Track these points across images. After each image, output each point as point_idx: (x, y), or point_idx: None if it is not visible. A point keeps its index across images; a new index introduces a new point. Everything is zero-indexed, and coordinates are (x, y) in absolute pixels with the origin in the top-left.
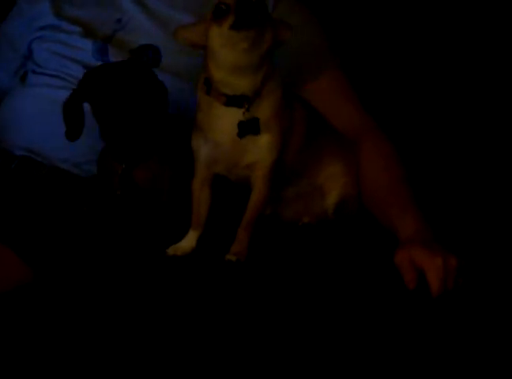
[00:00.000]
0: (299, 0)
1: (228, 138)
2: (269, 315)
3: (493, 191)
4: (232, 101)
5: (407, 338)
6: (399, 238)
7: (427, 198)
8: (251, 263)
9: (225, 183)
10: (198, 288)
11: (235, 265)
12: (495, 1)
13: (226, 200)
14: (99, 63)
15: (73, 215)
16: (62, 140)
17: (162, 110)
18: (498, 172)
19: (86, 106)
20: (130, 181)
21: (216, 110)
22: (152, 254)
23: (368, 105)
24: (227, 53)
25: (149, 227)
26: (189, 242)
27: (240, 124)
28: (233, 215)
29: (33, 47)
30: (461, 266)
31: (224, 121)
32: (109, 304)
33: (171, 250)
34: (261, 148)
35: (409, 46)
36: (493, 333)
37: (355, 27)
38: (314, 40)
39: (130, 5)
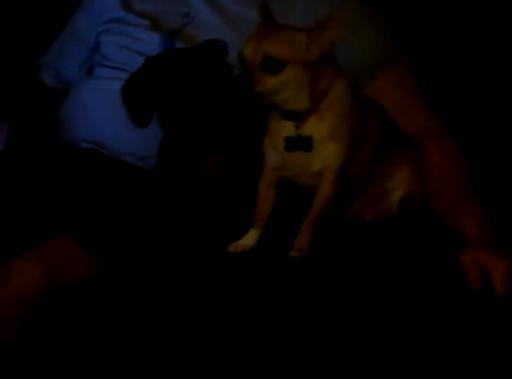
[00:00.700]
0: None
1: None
2: (329, 311)
3: None
4: (287, 115)
5: (474, 339)
6: (465, 239)
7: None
8: (314, 259)
9: (290, 183)
10: (261, 283)
11: (297, 261)
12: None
13: (290, 198)
14: None
15: (136, 209)
16: (128, 134)
17: (228, 96)
18: None
19: None
20: (196, 173)
21: (278, 121)
22: (214, 249)
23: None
24: None
25: (212, 221)
26: (250, 239)
27: (287, 139)
28: (296, 213)
29: (100, 40)
30: None
31: (281, 133)
32: (171, 297)
33: (231, 247)
34: (327, 157)
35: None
36: None
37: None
38: (379, 38)
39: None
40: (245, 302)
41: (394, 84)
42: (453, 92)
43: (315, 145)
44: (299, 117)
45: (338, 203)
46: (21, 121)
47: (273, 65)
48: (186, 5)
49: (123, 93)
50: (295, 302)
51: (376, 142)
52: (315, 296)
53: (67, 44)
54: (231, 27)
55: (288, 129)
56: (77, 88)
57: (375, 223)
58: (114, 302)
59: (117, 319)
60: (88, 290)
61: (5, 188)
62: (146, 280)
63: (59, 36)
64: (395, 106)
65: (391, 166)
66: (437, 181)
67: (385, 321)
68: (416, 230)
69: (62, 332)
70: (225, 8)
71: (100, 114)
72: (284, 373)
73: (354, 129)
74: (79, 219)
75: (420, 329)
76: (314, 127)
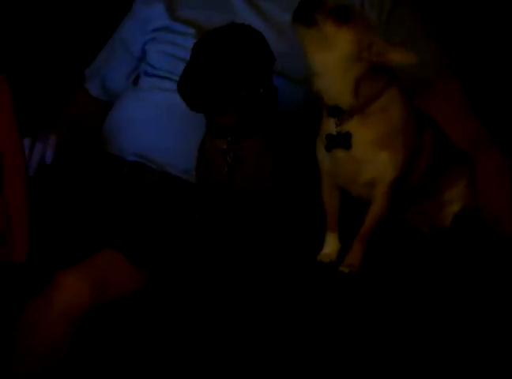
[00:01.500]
0: (416, 6)
1: (340, 151)
2: (376, 326)
3: None
4: (331, 112)
5: None
6: None
7: None
8: (364, 274)
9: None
10: (308, 297)
11: (347, 277)
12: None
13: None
14: None
15: (184, 222)
16: (173, 146)
17: (268, 78)
18: None
19: None
20: (236, 158)
21: (325, 120)
22: (261, 260)
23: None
24: (303, 48)
25: (262, 224)
26: (332, 245)
27: (328, 137)
28: (351, 225)
29: (146, 49)
30: None
31: (325, 132)
32: (219, 310)
33: (322, 257)
34: (379, 166)
35: None
36: None
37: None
38: (433, 47)
39: (243, 6)
40: (289, 316)
41: (448, 95)
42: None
43: (361, 151)
44: (341, 114)
45: (393, 213)
46: (68, 134)
47: (343, 15)
48: (232, 13)
49: (180, 87)
50: (340, 317)
51: (431, 154)
52: (360, 313)
53: (113, 54)
54: (277, 34)
55: (330, 127)
56: (122, 99)
57: (428, 236)
58: (161, 316)
59: (164, 333)
60: (135, 304)
61: (52, 201)
62: (194, 294)
63: (105, 46)
64: (447, 118)
65: (447, 179)
66: (488, 190)
67: (436, 335)
68: (468, 242)
69: (109, 348)
70: (270, 14)
71: (145, 127)
72: None
73: (409, 139)
74: (126, 232)
75: (474, 338)
76: (357, 128)
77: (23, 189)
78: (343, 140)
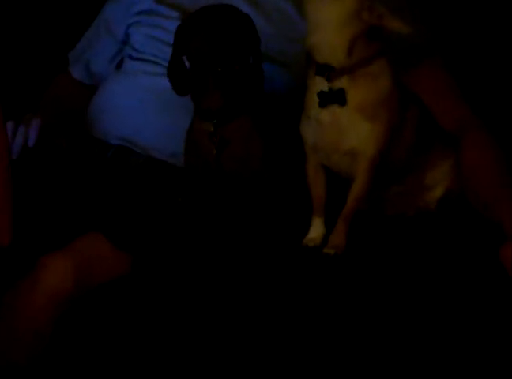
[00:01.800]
0: None
1: (326, 114)
2: (363, 310)
3: None
4: (320, 70)
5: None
6: (505, 231)
7: None
8: (349, 256)
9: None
10: (292, 281)
11: (332, 259)
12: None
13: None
14: None
15: (168, 206)
16: (158, 130)
17: (255, 58)
18: None
19: None
20: (223, 140)
21: (311, 82)
22: (241, 245)
23: None
24: (309, 2)
25: (246, 208)
26: (318, 230)
27: (320, 93)
28: (332, 207)
29: (130, 32)
30: None
31: (315, 91)
32: (204, 295)
33: (307, 241)
34: (361, 134)
35: None
36: None
37: None
38: (424, 24)
39: None
40: (276, 301)
41: (435, 73)
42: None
43: (347, 113)
44: (331, 71)
45: (375, 190)
46: (51, 117)
47: None
48: None
49: (169, 68)
50: (326, 300)
51: (415, 132)
52: (347, 295)
53: (97, 37)
54: (264, 18)
55: (320, 85)
56: (107, 83)
57: (412, 218)
58: (146, 300)
59: (149, 317)
60: (121, 288)
61: (35, 185)
62: (179, 278)
63: (89, 29)
64: (433, 96)
65: (430, 159)
66: (474, 173)
67: (423, 319)
68: (453, 225)
69: (93, 332)
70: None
71: (130, 111)
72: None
73: (392, 114)
74: (110, 215)
75: (462, 323)
76: (346, 86)
77: (6, 172)
78: (337, 97)
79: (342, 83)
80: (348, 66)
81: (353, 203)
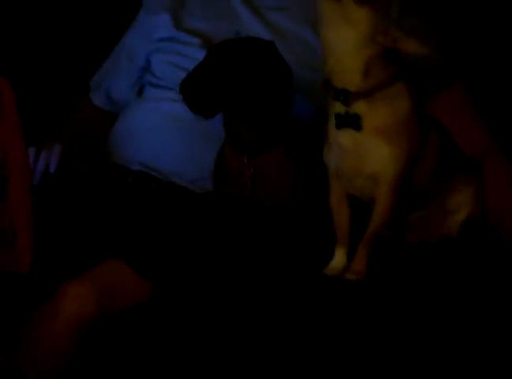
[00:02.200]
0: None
1: (346, 137)
2: (383, 336)
3: None
4: (338, 94)
5: None
6: None
7: None
8: (370, 282)
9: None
10: (315, 307)
11: (354, 285)
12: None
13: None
14: None
15: (188, 232)
16: (178, 156)
17: (286, 91)
18: None
19: None
20: (257, 173)
21: (331, 107)
22: (264, 271)
23: None
24: (322, 24)
25: (269, 237)
26: (339, 260)
27: (336, 116)
28: (355, 234)
29: (151, 59)
30: None
31: (332, 114)
32: (225, 321)
33: (328, 270)
34: (381, 158)
35: None
36: None
37: None
38: (444, 53)
39: (249, 16)
40: (300, 327)
41: (455, 97)
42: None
43: (366, 136)
44: (347, 96)
45: (396, 216)
46: (73, 143)
47: None
48: (238, 23)
49: (184, 84)
50: (346, 326)
51: (436, 157)
52: (367, 322)
53: (117, 64)
54: (284, 44)
55: (338, 108)
56: (128, 109)
57: (435, 246)
58: (167, 326)
59: (168, 344)
60: (142, 314)
61: (56, 210)
62: (200, 304)
63: (109, 56)
64: (455, 124)
65: (452, 185)
66: (497, 199)
67: (444, 346)
68: (477, 252)
69: (113, 357)
70: (276, 24)
71: (151, 137)
72: None
73: (412, 138)
74: (131, 242)
75: (482, 350)
76: (364, 111)
77: (28, 198)
78: (352, 121)
79: (360, 107)
80: (365, 90)
81: (374, 227)
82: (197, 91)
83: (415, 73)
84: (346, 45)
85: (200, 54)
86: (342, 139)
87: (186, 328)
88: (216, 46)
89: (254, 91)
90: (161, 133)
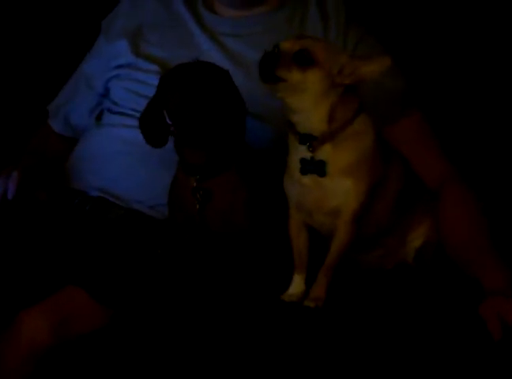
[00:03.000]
0: (378, 42)
1: (309, 179)
2: (342, 361)
3: None
4: (303, 139)
5: None
6: (484, 287)
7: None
8: (329, 309)
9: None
10: (273, 333)
11: (313, 311)
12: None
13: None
14: None
15: (147, 258)
16: (138, 182)
17: (238, 114)
18: None
19: None
20: (206, 196)
21: (295, 149)
22: (222, 296)
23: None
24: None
25: (229, 260)
26: (297, 287)
27: (302, 160)
28: (313, 261)
29: (110, 86)
30: None
31: (297, 158)
32: (183, 348)
33: (286, 297)
34: (343, 194)
35: None
36: None
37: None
38: (395, 83)
39: (209, 44)
40: (257, 352)
41: (414, 129)
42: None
43: (330, 178)
44: (313, 141)
45: (355, 250)
46: (31, 169)
47: (305, 59)
48: (197, 50)
49: (141, 120)
50: (307, 352)
51: (397, 189)
52: (327, 348)
53: (76, 90)
54: (242, 71)
55: (303, 153)
56: (86, 135)
57: (391, 272)
58: (124, 353)
59: (127, 369)
60: (99, 341)
61: (13, 238)
62: (158, 330)
63: (68, 82)
64: (413, 152)
65: (413, 217)
66: (452, 228)
67: (401, 373)
68: (432, 279)
69: None
70: (235, 52)
71: (109, 163)
72: None
73: (374, 170)
74: (89, 269)
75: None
76: (329, 155)
77: None
78: (317, 168)
79: (325, 151)
80: (329, 133)
81: (334, 257)
82: (151, 125)
83: (376, 103)
84: (308, 106)
85: (157, 81)
86: (304, 180)
87: (143, 353)
88: (168, 73)
89: (205, 116)
90: (120, 159)
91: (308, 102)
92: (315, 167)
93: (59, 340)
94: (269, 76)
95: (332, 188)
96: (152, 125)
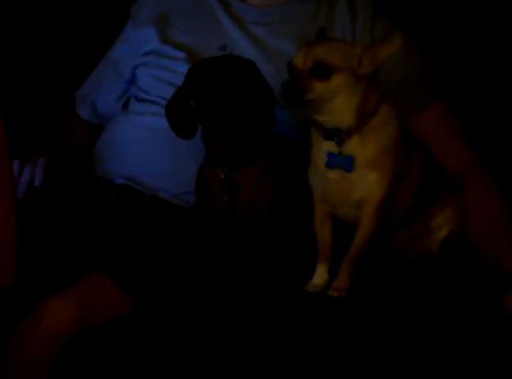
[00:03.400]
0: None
1: (334, 172)
2: (365, 352)
3: None
4: (329, 134)
5: None
6: (509, 278)
7: None
8: (353, 299)
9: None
10: (298, 323)
11: (336, 301)
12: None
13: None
14: None
15: (171, 246)
16: (163, 170)
17: (267, 107)
18: None
19: None
20: (233, 188)
21: (320, 144)
22: (245, 285)
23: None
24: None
25: (254, 251)
26: (321, 277)
27: (329, 154)
28: (339, 250)
29: (137, 73)
30: None
31: (323, 152)
32: (207, 336)
33: (309, 287)
34: (368, 185)
35: None
36: None
37: None
38: (421, 72)
39: (235, 31)
40: (281, 342)
41: (439, 119)
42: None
43: (356, 171)
44: (340, 135)
45: (380, 236)
46: (57, 156)
47: (324, 71)
48: (224, 37)
49: (168, 110)
50: (331, 343)
51: (420, 177)
52: (351, 339)
53: (103, 77)
54: (267, 59)
55: (330, 146)
56: (113, 123)
57: (417, 262)
58: (149, 341)
59: (152, 358)
60: (123, 329)
61: (40, 224)
62: (183, 318)
63: (95, 69)
64: (437, 142)
65: (436, 204)
66: (477, 219)
67: (428, 364)
68: (458, 270)
69: (95, 372)
70: (261, 39)
71: (135, 151)
72: None
73: (398, 160)
74: (113, 256)
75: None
76: (357, 148)
77: (11, 211)
78: (345, 163)
79: (352, 145)
80: (356, 126)
81: (358, 247)
82: (179, 116)
83: (401, 94)
84: (339, 107)
85: (185, 68)
86: (330, 173)
87: (168, 342)
88: (195, 66)
89: (233, 111)
90: (146, 147)
91: (339, 104)
92: (343, 162)
93: (83, 327)
94: (297, 103)
95: (358, 181)
96: (179, 116)
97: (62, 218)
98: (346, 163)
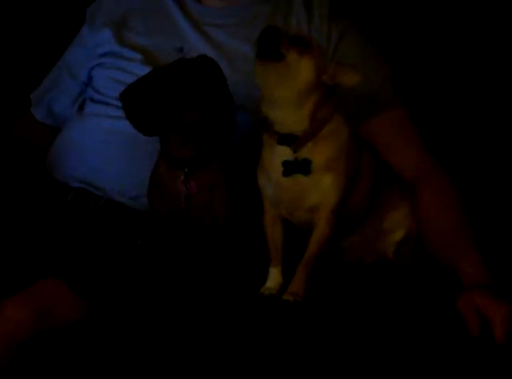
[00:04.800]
0: (362, 34)
1: (289, 179)
2: (320, 356)
3: None
4: (283, 140)
5: None
6: (462, 281)
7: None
8: (308, 303)
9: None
10: (253, 329)
11: (292, 306)
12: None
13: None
14: None
15: (127, 249)
16: (119, 173)
17: (230, 110)
18: None
19: None
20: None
21: (273, 149)
22: (201, 289)
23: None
24: (261, 83)
25: (207, 255)
26: (275, 280)
27: (284, 163)
28: (293, 254)
29: (93, 74)
30: None
31: (277, 160)
32: (161, 340)
33: (264, 290)
34: (323, 190)
35: None
36: None
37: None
38: (377, 77)
39: (192, 33)
40: (236, 348)
41: (390, 124)
42: (453, 131)
43: (310, 175)
44: (295, 141)
45: (334, 241)
46: (12, 159)
47: (302, 43)
48: (181, 40)
49: (125, 96)
50: (285, 348)
51: (371, 180)
52: (306, 343)
53: (59, 78)
54: (226, 61)
55: (284, 154)
56: (68, 125)
57: (371, 266)
58: (103, 345)
59: (105, 362)
60: (77, 332)
61: None
62: (137, 322)
63: (52, 70)
64: (388, 146)
65: (387, 205)
66: (430, 222)
67: (380, 369)
68: (412, 274)
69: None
70: (219, 42)
71: (91, 153)
72: None
73: (351, 164)
74: (69, 260)
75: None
76: (312, 153)
77: None
78: (302, 167)
79: (308, 150)
80: (311, 132)
81: (314, 252)
82: (137, 102)
83: (356, 99)
84: (293, 99)
85: (142, 70)
86: (283, 180)
87: (122, 347)
88: (162, 66)
89: (202, 99)
90: (102, 149)
91: (295, 94)
92: (300, 167)
93: (38, 331)
94: (270, 51)
95: (312, 186)
96: (138, 105)
97: (16, 220)
98: (303, 168)
